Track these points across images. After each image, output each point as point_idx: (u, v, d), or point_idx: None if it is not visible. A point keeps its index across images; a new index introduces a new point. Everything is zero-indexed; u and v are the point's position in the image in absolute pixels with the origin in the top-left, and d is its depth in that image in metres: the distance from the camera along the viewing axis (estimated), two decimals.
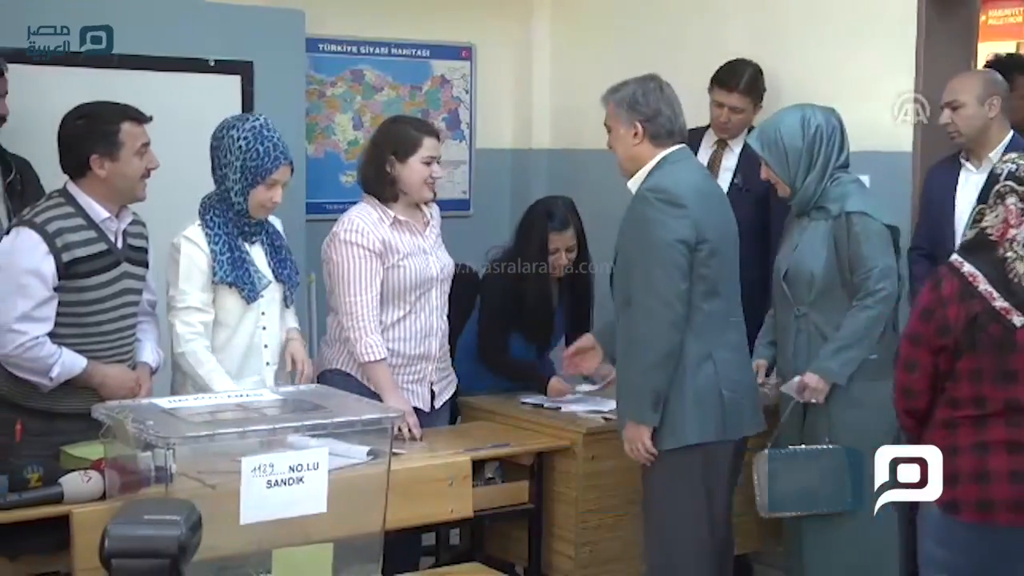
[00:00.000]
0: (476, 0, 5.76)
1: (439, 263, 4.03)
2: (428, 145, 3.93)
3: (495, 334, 4.40)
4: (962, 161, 4.24)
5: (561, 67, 5.87)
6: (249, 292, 3.65)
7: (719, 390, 3.48)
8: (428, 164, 3.93)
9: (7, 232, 3.48)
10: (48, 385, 3.38)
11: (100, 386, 3.43)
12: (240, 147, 3.60)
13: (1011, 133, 4.21)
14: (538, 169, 5.89)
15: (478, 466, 3.77)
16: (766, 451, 3.72)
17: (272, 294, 3.74)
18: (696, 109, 4.92)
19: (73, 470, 3.12)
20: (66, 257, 3.34)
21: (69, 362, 3.39)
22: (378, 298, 3.87)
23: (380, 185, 3.94)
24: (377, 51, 5.57)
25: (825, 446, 3.69)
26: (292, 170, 3.72)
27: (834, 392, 3.70)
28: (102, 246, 3.42)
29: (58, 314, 3.37)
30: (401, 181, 3.92)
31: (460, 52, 5.79)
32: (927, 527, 3.06)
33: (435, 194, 4.03)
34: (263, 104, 4.72)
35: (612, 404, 4.19)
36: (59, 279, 3.34)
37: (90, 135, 3.41)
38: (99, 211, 3.42)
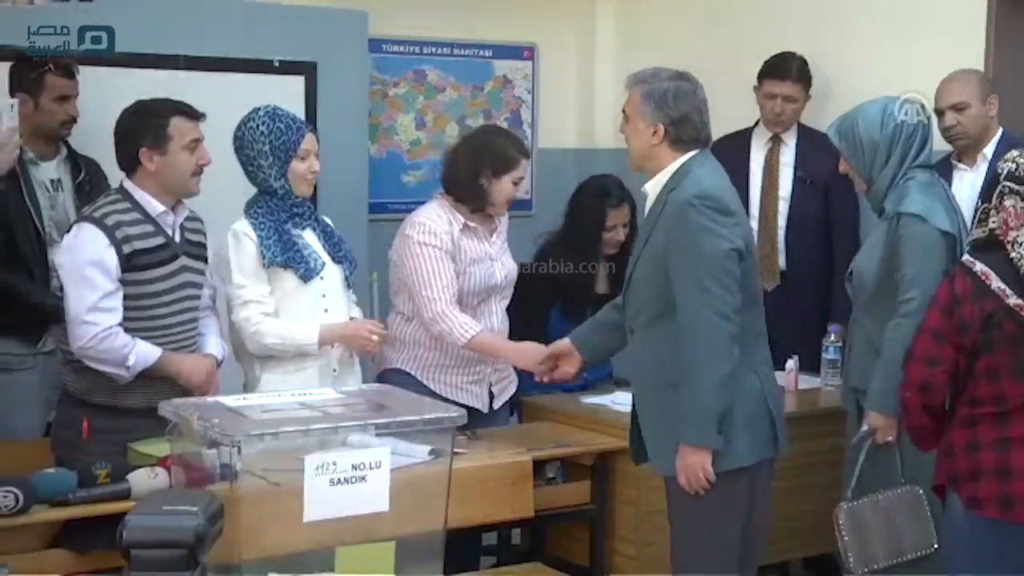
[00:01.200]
0: (538, 0, 5.76)
1: (503, 270, 4.04)
2: (522, 166, 3.95)
3: (536, 303, 4.33)
4: (953, 162, 4.20)
5: (624, 66, 5.77)
6: (304, 271, 3.66)
7: (767, 405, 3.26)
8: (516, 185, 3.95)
9: (68, 230, 3.53)
10: (125, 376, 3.41)
11: (176, 375, 3.47)
12: (263, 132, 3.63)
13: (1001, 129, 4.19)
14: (601, 169, 5.84)
15: (539, 466, 3.77)
16: (845, 505, 3.50)
17: (332, 276, 3.75)
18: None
19: (140, 466, 3.17)
20: (126, 249, 3.38)
21: (144, 352, 3.43)
22: (455, 290, 3.88)
23: (469, 193, 3.93)
24: (440, 51, 5.58)
25: (902, 488, 3.48)
26: (317, 138, 3.73)
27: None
28: (160, 239, 3.46)
29: (124, 308, 3.41)
30: (490, 196, 3.93)
31: (522, 52, 5.79)
32: (951, 527, 3.02)
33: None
34: (326, 104, 4.75)
35: None
36: (122, 272, 3.39)
37: (140, 128, 3.45)
38: (155, 205, 3.46)
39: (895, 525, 3.48)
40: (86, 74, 4.17)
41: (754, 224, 4.82)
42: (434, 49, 5.57)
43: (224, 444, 2.66)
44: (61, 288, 3.49)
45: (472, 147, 4.01)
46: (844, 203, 4.66)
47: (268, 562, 2.65)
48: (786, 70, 4.75)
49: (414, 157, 5.51)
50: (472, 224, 3.96)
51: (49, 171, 4.10)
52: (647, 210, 3.32)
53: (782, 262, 4.82)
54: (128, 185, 3.48)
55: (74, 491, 3.04)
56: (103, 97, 4.07)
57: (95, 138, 4.04)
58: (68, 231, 3.52)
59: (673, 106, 3.22)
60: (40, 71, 4.04)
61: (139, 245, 3.41)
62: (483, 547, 4.13)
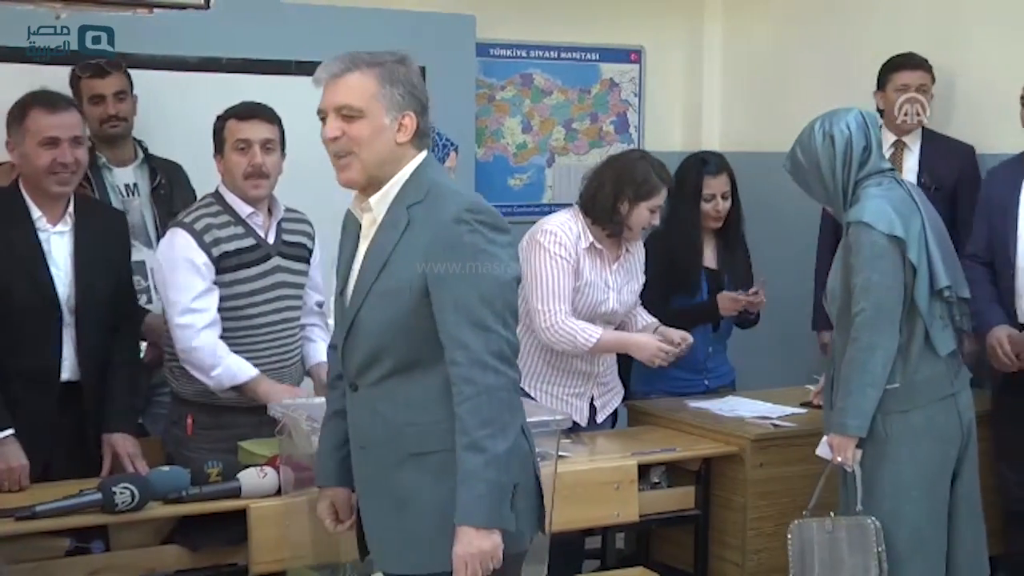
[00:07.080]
0: (645, 2, 5.73)
1: (618, 301, 4.00)
2: (661, 195, 3.92)
3: (655, 298, 4.27)
4: None
5: (732, 68, 5.79)
6: None
7: (535, 474, 2.61)
8: (653, 212, 3.93)
9: (161, 237, 3.58)
10: (212, 386, 3.42)
11: (265, 399, 3.39)
12: None
13: None
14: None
15: (644, 470, 3.75)
16: (799, 521, 3.44)
17: None
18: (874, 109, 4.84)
19: (250, 466, 3.22)
20: (216, 252, 3.42)
21: (235, 367, 3.42)
22: (571, 304, 3.89)
23: (606, 215, 3.91)
24: (546, 55, 5.59)
25: (857, 515, 3.34)
26: (456, 153, 3.74)
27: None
28: (250, 240, 3.49)
29: (219, 309, 3.44)
30: (626, 220, 3.91)
31: (629, 55, 5.77)
32: None
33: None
34: (434, 108, 4.77)
35: (782, 410, 4.13)
36: (216, 273, 3.42)
37: (214, 134, 3.50)
38: (243, 207, 3.49)
39: (838, 554, 3.34)
40: (194, 81, 4.23)
41: None
42: (540, 53, 5.57)
43: None
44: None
45: (617, 172, 3.95)
46: (972, 210, 4.49)
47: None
48: (915, 60, 4.62)
49: (520, 161, 5.52)
50: (598, 246, 3.94)
51: (124, 176, 4.09)
52: (372, 234, 2.55)
53: None
54: (221, 189, 3.53)
55: (187, 488, 3.10)
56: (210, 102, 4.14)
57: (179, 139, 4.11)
58: (163, 238, 3.56)
59: (421, 88, 2.52)
60: (75, 78, 4.05)
61: (229, 247, 3.44)
62: (587, 551, 4.12)
